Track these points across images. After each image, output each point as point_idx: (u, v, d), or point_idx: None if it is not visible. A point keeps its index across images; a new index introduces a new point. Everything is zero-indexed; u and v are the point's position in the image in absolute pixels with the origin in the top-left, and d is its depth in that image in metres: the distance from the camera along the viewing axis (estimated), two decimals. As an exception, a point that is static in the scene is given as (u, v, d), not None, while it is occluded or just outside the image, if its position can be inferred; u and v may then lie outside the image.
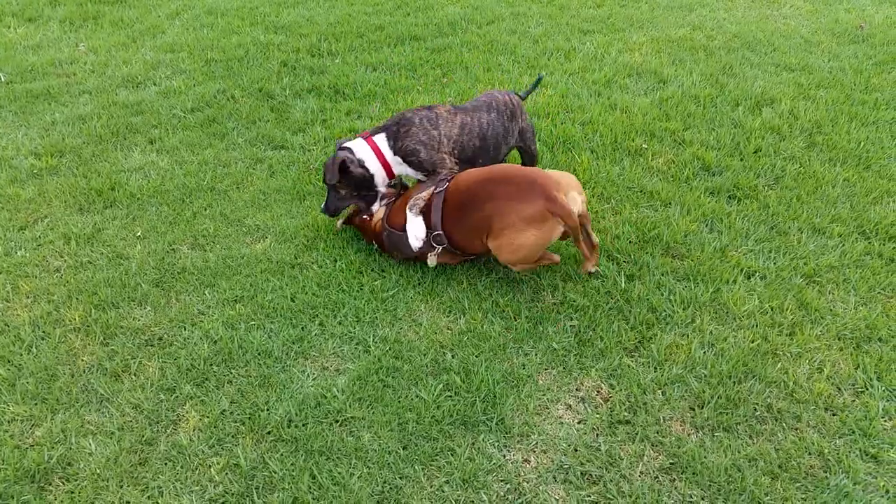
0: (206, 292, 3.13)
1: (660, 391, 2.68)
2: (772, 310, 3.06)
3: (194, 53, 5.40)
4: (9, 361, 2.76)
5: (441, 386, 2.67)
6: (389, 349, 2.84)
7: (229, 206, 3.68)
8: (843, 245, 3.46)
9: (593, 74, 5.28)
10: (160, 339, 2.90)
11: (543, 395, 2.67)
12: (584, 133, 4.44)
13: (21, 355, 2.79)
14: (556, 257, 3.12)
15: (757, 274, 3.28)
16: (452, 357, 2.81)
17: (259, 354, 2.83)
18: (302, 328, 2.95)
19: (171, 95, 4.79)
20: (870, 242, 3.48)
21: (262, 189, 3.81)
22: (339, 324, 2.97)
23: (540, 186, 2.87)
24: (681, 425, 2.55)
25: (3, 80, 4.97)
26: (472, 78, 5.15)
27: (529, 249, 2.92)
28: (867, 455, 2.44)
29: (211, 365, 2.77)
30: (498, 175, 2.97)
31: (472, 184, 3.00)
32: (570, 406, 2.63)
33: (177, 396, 2.64)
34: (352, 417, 2.55)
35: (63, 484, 2.33)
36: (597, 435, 2.51)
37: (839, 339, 2.93)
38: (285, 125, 4.44)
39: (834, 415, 2.59)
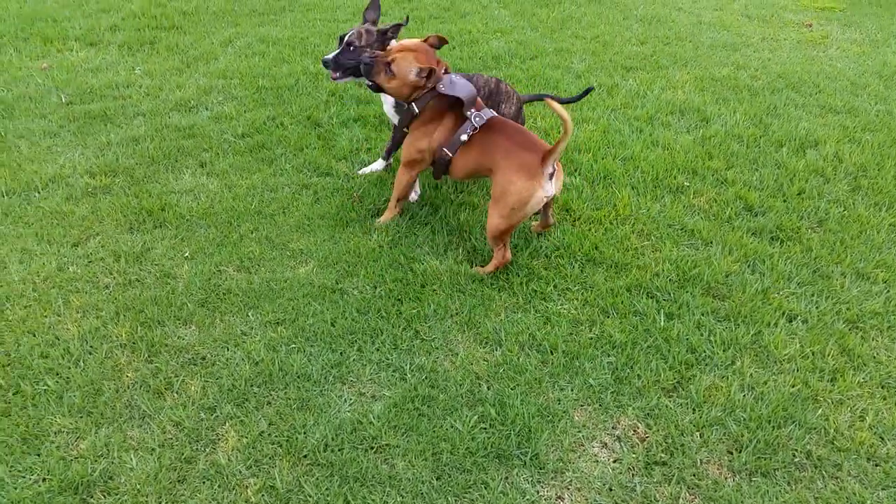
0: (249, 314, 3.20)
1: (698, 433, 2.65)
2: (813, 354, 3.01)
3: (246, 80, 5.58)
4: (58, 374, 2.86)
5: (476, 417, 2.68)
6: (425, 378, 2.86)
7: (275, 230, 3.77)
8: (888, 291, 3.41)
9: (635, 111, 5.30)
10: (203, 358, 2.97)
11: (579, 431, 2.66)
12: (625, 169, 4.46)
13: (69, 368, 2.88)
14: (508, 255, 3.43)
15: (799, 317, 3.24)
16: (488, 389, 2.82)
17: (298, 377, 2.87)
18: (341, 353, 2.99)
19: (223, 120, 4.94)
20: (917, 289, 3.42)
21: (307, 214, 3.90)
22: (377, 350, 3.00)
23: (541, 147, 3.23)
24: (718, 468, 2.51)
25: (64, 100, 5.19)
26: (515, 111, 5.21)
27: (513, 199, 3.21)
28: (912, 510, 2.38)
29: (251, 386, 2.82)
30: (513, 126, 3.36)
31: (496, 124, 3.37)
32: (606, 444, 2.62)
33: (217, 416, 2.69)
34: (387, 445, 2.57)
35: (104, 497, 2.39)
36: (632, 475, 2.49)
37: (882, 387, 2.87)
38: (331, 153, 4.54)
39: (877, 465, 2.54)
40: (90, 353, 2.97)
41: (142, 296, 3.28)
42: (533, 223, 3.81)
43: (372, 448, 2.56)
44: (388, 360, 2.96)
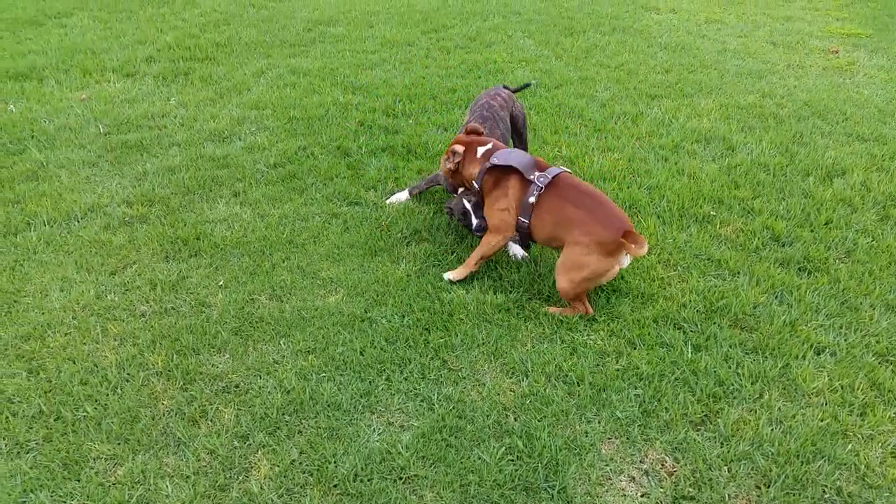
0: (281, 342, 3.28)
1: (726, 467, 2.64)
2: (842, 388, 3.00)
3: (278, 111, 5.72)
4: (96, 401, 2.94)
5: (503, 449, 2.70)
6: (453, 408, 2.90)
7: (306, 259, 3.85)
8: (885, 318, 3.38)
9: (660, 139, 5.33)
10: (237, 386, 3.04)
11: (606, 465, 2.67)
12: (650, 198, 4.48)
13: (107, 395, 2.97)
14: (590, 309, 3.44)
15: (827, 350, 3.23)
16: (515, 420, 2.85)
17: (329, 406, 2.93)
18: (370, 382, 3.05)
19: (255, 150, 5.07)
20: (949, 322, 3.38)
21: (337, 243, 3.98)
22: (405, 380, 3.05)
23: (618, 220, 3.28)
24: (746, 503, 2.51)
25: (102, 131, 5.37)
26: (540, 140, 5.28)
27: (587, 272, 3.29)
28: (946, 549, 2.35)
29: (283, 414, 2.88)
30: (589, 190, 3.41)
31: (566, 188, 3.42)
32: (634, 478, 2.63)
33: (250, 444, 2.75)
34: (415, 475, 2.61)
35: (141, 522, 2.46)
36: (660, 509, 2.50)
37: (916, 423, 2.84)
38: (360, 182, 4.64)
39: (910, 504, 2.51)
40: (127, 381, 3.06)
41: (177, 324, 3.37)
42: None
43: (401, 478, 2.60)
44: (416, 389, 3.01)
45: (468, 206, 3.81)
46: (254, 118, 5.61)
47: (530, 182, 3.46)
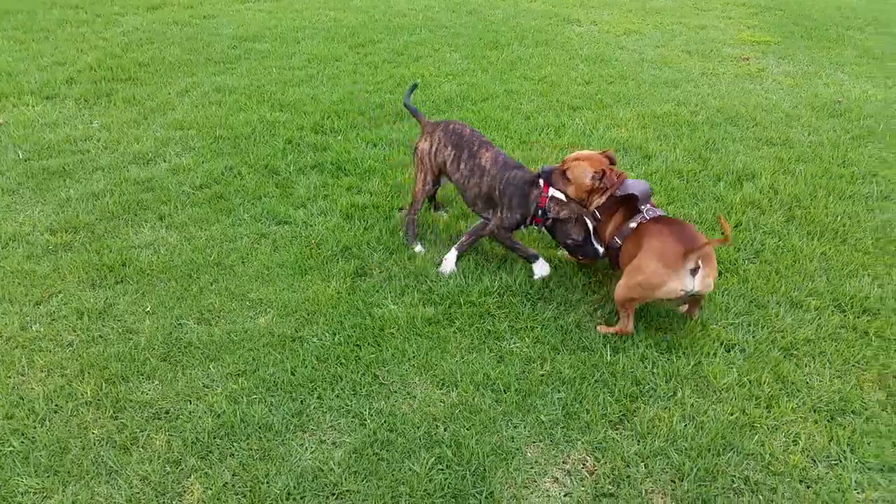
0: (210, 366, 3.29)
1: (643, 464, 2.80)
2: (750, 383, 3.21)
3: (203, 130, 5.69)
4: (23, 434, 2.90)
5: (433, 459, 2.79)
6: (384, 422, 2.97)
7: (234, 281, 3.87)
8: (820, 318, 3.63)
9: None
10: (167, 412, 3.04)
11: (531, 467, 2.79)
12: (573, 207, 4.66)
13: (35, 428, 2.93)
14: (630, 328, 3.45)
15: (736, 346, 3.44)
16: (445, 430, 2.95)
17: (260, 428, 2.96)
18: (301, 402, 3.09)
19: (181, 172, 5.04)
20: (845, 316, 3.65)
21: (266, 264, 4.01)
22: (337, 397, 3.11)
23: (693, 236, 3.28)
24: (662, 498, 2.67)
25: (21, 157, 5.23)
26: (467, 153, 5.41)
27: (641, 278, 3.27)
28: (840, 527, 2.56)
29: (214, 438, 2.90)
30: (677, 222, 3.45)
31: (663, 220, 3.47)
32: (557, 479, 2.76)
33: (182, 469, 2.76)
34: (347, 491, 2.67)
35: (71, 556, 2.44)
36: (582, 507, 2.63)
37: (814, 411, 3.07)
38: (289, 201, 4.67)
39: (808, 487, 2.72)
40: (55, 412, 3.02)
41: (105, 352, 3.34)
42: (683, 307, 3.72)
43: (333, 495, 2.66)
44: (348, 406, 3.07)
45: (591, 226, 3.70)
46: (179, 139, 5.56)
47: (638, 212, 3.53)
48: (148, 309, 3.65)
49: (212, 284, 3.85)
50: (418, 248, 4.15)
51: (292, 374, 3.24)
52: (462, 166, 3.97)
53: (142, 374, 3.23)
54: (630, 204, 3.62)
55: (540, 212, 3.78)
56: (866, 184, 5.09)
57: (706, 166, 5.30)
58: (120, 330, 3.50)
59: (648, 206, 3.55)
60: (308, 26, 8.76)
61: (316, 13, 9.42)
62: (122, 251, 4.09)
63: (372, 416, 3.01)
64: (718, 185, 5.01)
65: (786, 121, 6.31)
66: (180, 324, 3.56)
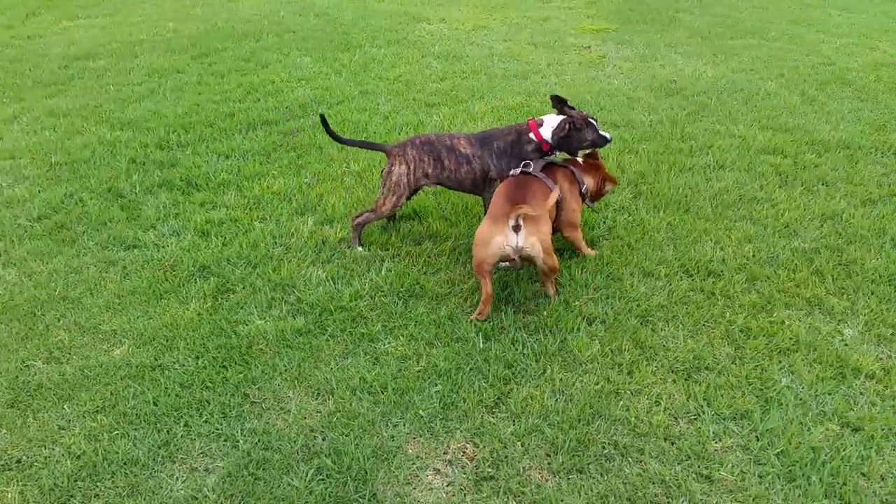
0: (65, 406, 3.05)
1: (519, 443, 2.87)
2: (612, 352, 3.37)
3: (37, 158, 5.25)
4: None
5: (313, 471, 2.73)
6: (259, 441, 2.87)
7: (83, 315, 3.60)
8: (670, 285, 3.87)
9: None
10: (18, 461, 2.79)
11: (413, 463, 2.79)
12: (437, 202, 4.71)
13: None
14: (488, 289, 3.54)
15: (598, 319, 3.61)
16: (323, 440, 2.89)
17: (125, 464, 2.78)
18: (167, 431, 2.93)
19: (14, 204, 4.62)
20: (692, 280, 3.91)
21: (117, 292, 3.76)
22: (206, 422, 2.97)
23: (522, 195, 3.53)
24: (539, 473, 2.75)
25: None
26: (327, 157, 5.34)
27: (476, 238, 3.52)
28: (702, 477, 2.73)
29: (75, 481, 2.69)
30: (533, 181, 3.77)
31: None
32: (439, 470, 2.77)
33: (36, 524, 2.54)
34: (224, 517, 2.56)
35: None
36: (464, 495, 2.66)
37: (672, 371, 3.27)
38: (137, 223, 4.41)
39: (672, 443, 2.89)
40: None
41: (-64, 410, 3.01)
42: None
43: (209, 524, 2.54)
44: (218, 430, 2.94)
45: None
46: (9, 169, 5.11)
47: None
48: (-16, 356, 3.32)
49: (59, 320, 3.56)
50: (360, 248, 4.19)
51: (155, 404, 3.06)
52: (447, 164, 4.07)
53: (-18, 428, 2.94)
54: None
55: (544, 142, 4.04)
56: (703, 155, 5.49)
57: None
58: (-48, 383, 3.16)
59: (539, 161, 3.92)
60: (146, 39, 8.33)
61: (153, 25, 8.97)
62: (-52, 296, 3.70)
63: (245, 436, 2.90)
64: (571, 168, 5.22)
65: (628, 103, 6.69)
66: (27, 366, 3.27)
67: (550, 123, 4.05)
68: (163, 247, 4.17)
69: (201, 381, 3.17)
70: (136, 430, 2.94)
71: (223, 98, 6.47)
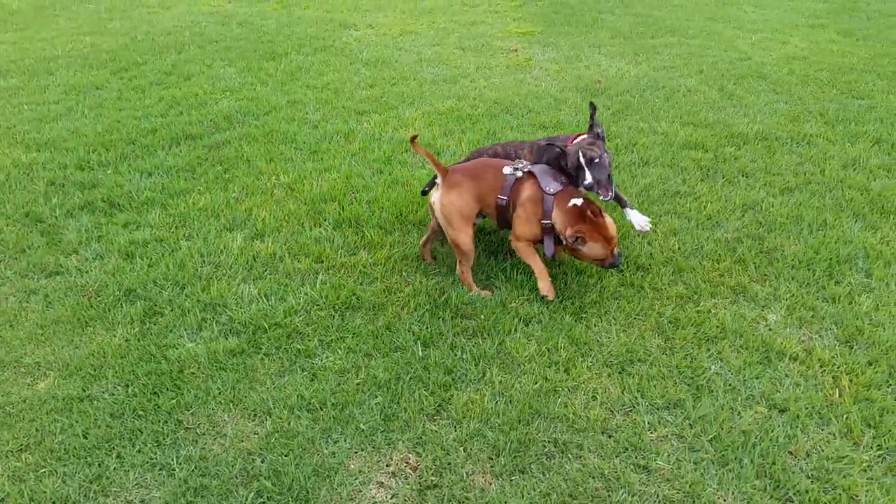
0: (-17, 448, 2.89)
1: (462, 448, 2.88)
2: (549, 351, 3.42)
3: (-57, 185, 4.99)
4: None
5: (252, 494, 2.67)
6: (195, 468, 2.79)
7: (3, 348, 3.43)
8: (602, 281, 3.95)
9: (373, 153, 5.58)
10: (-69, 514, 2.63)
11: (356, 478, 2.77)
12: (371, 211, 4.68)
13: None
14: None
15: (534, 319, 3.65)
16: (262, 462, 2.83)
17: (55, 502, 2.66)
18: (99, 465, 2.82)
19: (-80, 235, 4.38)
20: (623, 275, 4.00)
21: (39, 322, 3.60)
22: (139, 452, 2.87)
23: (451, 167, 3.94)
24: (483, 476, 2.76)
25: None
26: (255, 170, 5.25)
27: None
28: (640, 467, 2.80)
29: (-4, 529, 2.56)
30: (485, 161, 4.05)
31: None
32: (382, 483, 2.76)
33: (-43, 576, 2.40)
34: (162, 549, 2.48)
35: None
36: (409, 506, 2.65)
37: (607, 366, 3.34)
38: (58, 248, 4.23)
39: (610, 436, 2.95)
40: None
41: None
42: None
43: (145, 558, 2.45)
44: (152, 459, 2.84)
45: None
46: (-86, 198, 4.84)
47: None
48: None
49: (-26, 357, 3.38)
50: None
51: (84, 437, 2.94)
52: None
53: None
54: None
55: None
56: (628, 153, 5.63)
57: (489, 154, 5.56)
58: None
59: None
60: (61, 55, 8.01)
61: (69, 40, 8.64)
62: None
63: (181, 464, 2.82)
64: (502, 170, 5.27)
65: (555, 105, 6.81)
66: (-62, 408, 3.09)
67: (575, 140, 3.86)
68: (86, 272, 4.01)
69: (132, 409, 3.07)
70: (64, 466, 2.82)
71: (145, 113, 6.27)
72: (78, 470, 2.80)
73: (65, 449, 2.89)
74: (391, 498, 2.69)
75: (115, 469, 2.80)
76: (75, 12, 10.52)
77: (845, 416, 3.02)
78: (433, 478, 2.75)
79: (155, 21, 9.55)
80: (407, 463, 2.84)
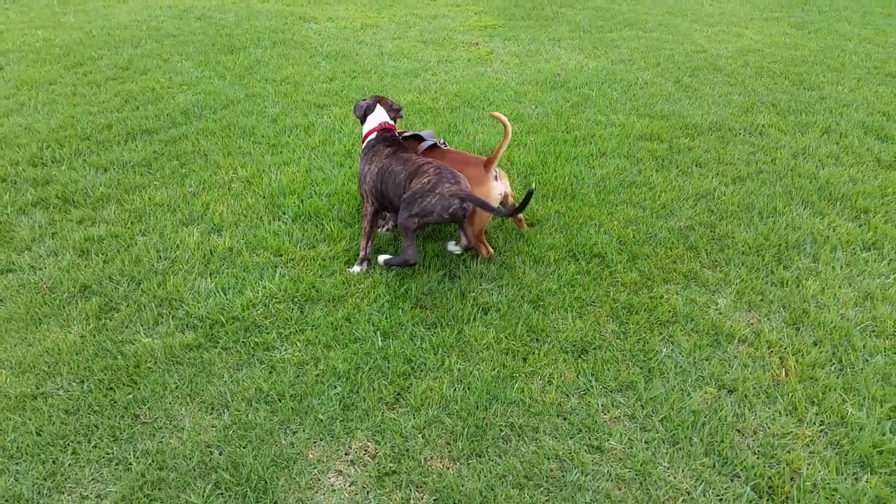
0: (-68, 450, 2.84)
1: (420, 435, 2.92)
2: (506, 338, 3.47)
3: None
4: None
5: (210, 486, 2.68)
6: (152, 462, 2.78)
7: (-49, 348, 3.37)
8: (559, 269, 4.02)
9: (333, 147, 5.58)
10: None
11: (314, 468, 2.78)
12: (330, 204, 4.68)
13: None
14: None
15: (493, 308, 3.70)
16: (220, 454, 2.83)
17: (8, 501, 2.63)
18: (53, 461, 2.79)
19: None
20: (579, 263, 4.08)
21: (-10, 321, 3.54)
22: (95, 447, 2.85)
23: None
24: (440, 461, 2.80)
25: None
26: (213, 164, 5.20)
27: None
28: (593, 448, 2.87)
29: (-54, 530, 2.52)
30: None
31: None
32: (341, 471, 2.78)
33: None
34: (118, 543, 2.47)
35: None
36: (367, 493, 2.68)
37: (563, 351, 3.41)
38: (10, 246, 4.15)
39: (565, 419, 3.02)
40: None
41: None
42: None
43: (101, 552, 2.44)
44: (108, 454, 2.83)
45: None
46: None
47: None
48: None
49: (-77, 357, 3.31)
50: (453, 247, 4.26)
51: (38, 434, 2.90)
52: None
53: None
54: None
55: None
56: (586, 145, 5.72)
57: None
58: None
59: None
60: (12, 49, 7.82)
61: (20, 34, 8.44)
62: None
63: (138, 458, 2.80)
64: (462, 162, 5.31)
65: (515, 98, 6.87)
66: None
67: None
68: (40, 269, 3.95)
69: (88, 405, 3.04)
70: (17, 464, 2.78)
71: (100, 109, 6.17)
72: (31, 468, 2.76)
73: (17, 447, 2.85)
74: (350, 485, 2.71)
75: (70, 465, 2.78)
76: (26, 5, 10.28)
77: (791, 395, 3.13)
78: (391, 464, 2.78)
79: (111, 15, 9.38)
80: (365, 451, 2.86)
